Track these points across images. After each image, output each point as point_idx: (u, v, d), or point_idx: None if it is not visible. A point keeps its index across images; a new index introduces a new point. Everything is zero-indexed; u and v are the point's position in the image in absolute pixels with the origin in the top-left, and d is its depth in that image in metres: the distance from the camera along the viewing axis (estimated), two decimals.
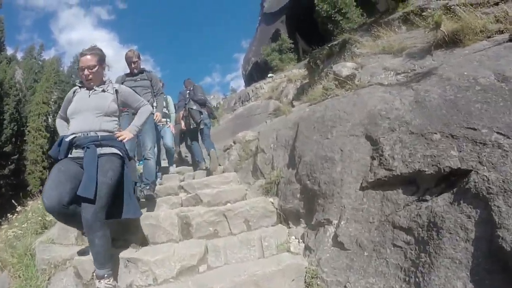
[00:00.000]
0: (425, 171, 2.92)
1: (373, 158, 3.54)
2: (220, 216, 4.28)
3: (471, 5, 5.66)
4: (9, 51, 29.87)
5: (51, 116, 46.53)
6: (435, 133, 3.08)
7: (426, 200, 2.82)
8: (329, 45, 9.87)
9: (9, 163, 31.29)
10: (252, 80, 33.40)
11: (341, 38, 9.02)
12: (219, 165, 7.29)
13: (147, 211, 4.80)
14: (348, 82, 5.92)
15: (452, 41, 4.77)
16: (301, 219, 4.22)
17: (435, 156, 2.91)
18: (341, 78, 6.21)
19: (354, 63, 6.65)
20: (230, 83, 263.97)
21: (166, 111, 7.57)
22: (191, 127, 7.50)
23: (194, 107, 7.36)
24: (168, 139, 7.54)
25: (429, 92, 3.60)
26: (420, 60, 4.86)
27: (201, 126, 7.53)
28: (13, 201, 6.66)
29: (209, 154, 7.24)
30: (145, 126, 4.37)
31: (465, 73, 3.55)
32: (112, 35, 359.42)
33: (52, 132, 44.19)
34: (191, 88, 7.74)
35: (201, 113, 7.43)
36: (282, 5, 33.95)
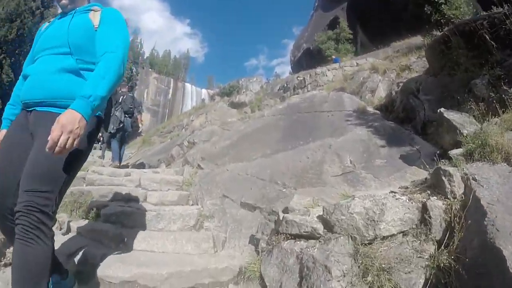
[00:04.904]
0: None
1: None
2: None
3: None
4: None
5: None
6: None
7: None
8: None
9: None
10: (301, 67, 29.07)
11: None
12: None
13: None
14: None
15: None
16: None
17: None
18: None
19: None
20: (275, 68, 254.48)
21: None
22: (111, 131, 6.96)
23: (117, 113, 6.95)
24: None
25: None
26: None
27: (119, 132, 7.15)
28: None
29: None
30: None
31: None
32: (165, 5, 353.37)
33: None
34: (124, 97, 7.19)
35: (121, 122, 7.03)
36: None
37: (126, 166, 8.52)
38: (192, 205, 4.78)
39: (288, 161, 4.88)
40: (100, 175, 5.62)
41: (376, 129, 6.13)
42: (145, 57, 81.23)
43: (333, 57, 20.98)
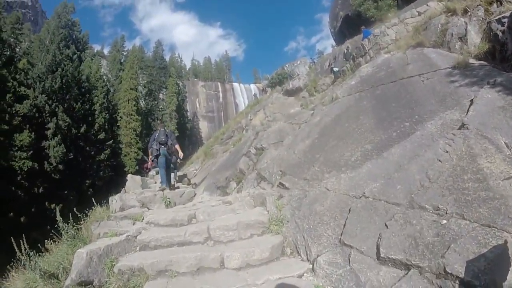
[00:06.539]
0: None
1: None
2: None
3: None
4: (97, 48, 27.30)
5: (142, 100, 42.70)
6: None
7: None
8: None
9: (105, 148, 27.54)
10: (344, 36, 26.53)
11: None
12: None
13: None
14: None
15: None
16: None
17: None
18: None
19: None
20: (316, 46, 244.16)
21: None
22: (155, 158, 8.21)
23: (154, 146, 8.11)
24: None
25: None
26: None
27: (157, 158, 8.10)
28: None
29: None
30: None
31: None
32: (192, 15, 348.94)
33: (145, 114, 40.18)
34: (158, 132, 8.33)
35: (158, 150, 8.00)
36: None
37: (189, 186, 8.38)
38: (292, 254, 3.17)
39: (419, 162, 3.11)
40: (156, 228, 4.28)
41: (506, 88, 4.22)
42: (187, 69, 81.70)
43: (362, 28, 14.98)
